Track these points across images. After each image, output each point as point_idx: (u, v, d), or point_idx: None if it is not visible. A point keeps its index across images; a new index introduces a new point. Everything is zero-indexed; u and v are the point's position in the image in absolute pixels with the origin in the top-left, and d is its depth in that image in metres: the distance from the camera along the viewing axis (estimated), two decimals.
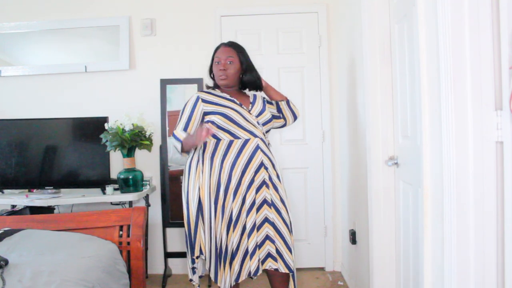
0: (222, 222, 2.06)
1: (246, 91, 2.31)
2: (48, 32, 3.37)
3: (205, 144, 2.13)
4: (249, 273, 2.09)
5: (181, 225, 3.17)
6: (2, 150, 3.05)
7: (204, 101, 2.14)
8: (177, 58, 3.31)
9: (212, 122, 2.10)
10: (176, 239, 3.28)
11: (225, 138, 2.10)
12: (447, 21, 1.32)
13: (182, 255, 3.20)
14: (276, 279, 2.18)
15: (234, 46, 2.20)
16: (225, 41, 2.28)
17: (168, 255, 3.18)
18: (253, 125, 2.13)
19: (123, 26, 3.30)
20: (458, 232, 1.32)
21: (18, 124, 3.10)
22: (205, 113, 2.12)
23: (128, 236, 2.32)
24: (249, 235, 2.09)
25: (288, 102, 2.36)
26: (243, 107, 2.14)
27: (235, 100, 2.17)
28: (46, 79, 3.35)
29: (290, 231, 2.15)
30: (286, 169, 3.19)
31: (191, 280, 2.18)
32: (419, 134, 1.72)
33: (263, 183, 2.13)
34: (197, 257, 2.14)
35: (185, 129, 2.13)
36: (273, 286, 2.21)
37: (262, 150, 2.13)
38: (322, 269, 3.33)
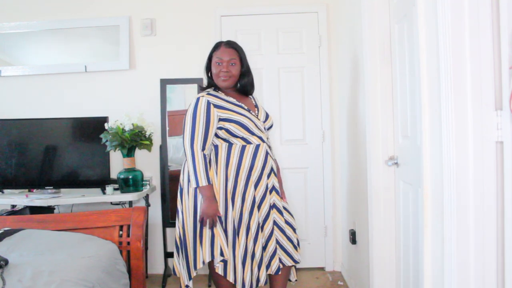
0: (241, 225, 2.07)
1: None
2: (48, 32, 3.37)
3: (216, 148, 2.09)
4: (258, 280, 2.12)
5: None
6: (2, 150, 3.05)
7: (215, 106, 2.06)
8: (177, 58, 3.31)
9: (227, 130, 2.06)
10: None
11: (238, 143, 2.08)
12: (447, 21, 1.32)
13: None
14: (277, 275, 2.20)
15: (235, 47, 2.16)
16: (224, 39, 2.27)
17: (168, 255, 3.18)
18: (261, 131, 2.13)
19: (123, 26, 3.30)
20: (458, 232, 1.32)
21: (18, 124, 3.10)
22: (220, 119, 2.06)
23: (128, 236, 2.32)
24: (265, 243, 2.14)
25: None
26: (251, 113, 2.13)
27: (243, 105, 2.14)
28: (46, 79, 3.35)
29: (294, 229, 2.19)
30: (286, 169, 3.19)
31: (187, 286, 2.11)
32: (419, 134, 1.72)
33: (273, 188, 2.17)
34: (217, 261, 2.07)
35: (205, 140, 2.02)
36: (274, 282, 2.22)
37: (270, 156, 2.16)
38: (322, 269, 3.33)
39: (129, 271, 2.27)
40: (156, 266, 3.30)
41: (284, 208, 2.20)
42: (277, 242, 2.16)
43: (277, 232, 2.16)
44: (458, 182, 1.31)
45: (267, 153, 2.12)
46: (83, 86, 3.33)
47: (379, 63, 2.23)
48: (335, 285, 3.03)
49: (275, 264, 2.13)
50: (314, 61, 3.29)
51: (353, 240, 2.79)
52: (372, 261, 2.30)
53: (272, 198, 2.17)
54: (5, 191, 3.13)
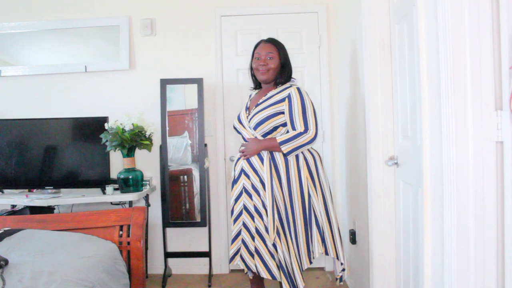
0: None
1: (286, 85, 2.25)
2: (48, 32, 3.37)
3: None
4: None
5: (180, 225, 3.18)
6: (2, 150, 3.05)
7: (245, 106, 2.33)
8: (177, 58, 3.31)
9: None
10: (176, 239, 3.28)
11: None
12: (447, 21, 1.32)
13: (182, 255, 3.20)
14: None
15: (274, 43, 2.25)
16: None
17: (168, 255, 3.18)
18: (247, 130, 2.15)
19: (123, 26, 3.30)
20: (458, 232, 1.32)
21: (18, 124, 3.10)
22: None
23: (128, 236, 2.33)
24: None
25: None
26: (246, 111, 2.20)
27: (248, 103, 2.25)
28: (46, 79, 3.35)
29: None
30: None
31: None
32: (419, 134, 1.72)
33: (244, 190, 2.15)
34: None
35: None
36: None
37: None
38: (322, 269, 3.33)
39: (129, 271, 2.27)
40: (156, 266, 3.30)
41: (256, 210, 2.11)
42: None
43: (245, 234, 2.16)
44: (458, 182, 1.31)
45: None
46: (83, 86, 3.33)
47: (379, 63, 2.23)
48: (335, 285, 3.03)
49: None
50: (314, 61, 3.29)
51: (353, 240, 2.79)
52: (372, 261, 2.30)
53: (241, 201, 2.15)
54: (5, 191, 3.13)
